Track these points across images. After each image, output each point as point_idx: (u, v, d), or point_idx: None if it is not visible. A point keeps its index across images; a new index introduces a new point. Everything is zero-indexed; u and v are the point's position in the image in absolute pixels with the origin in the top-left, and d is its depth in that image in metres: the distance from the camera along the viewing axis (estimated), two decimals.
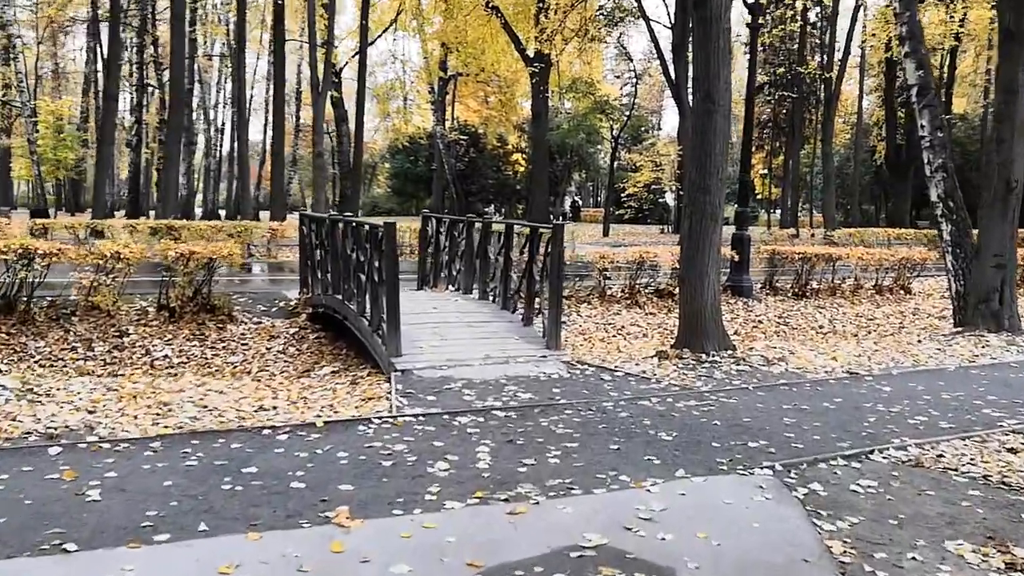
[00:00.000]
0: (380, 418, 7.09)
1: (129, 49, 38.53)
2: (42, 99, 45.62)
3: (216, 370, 10.66)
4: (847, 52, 38.88)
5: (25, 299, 11.63)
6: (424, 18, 42.40)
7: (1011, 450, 6.78)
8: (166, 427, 6.81)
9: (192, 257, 12.24)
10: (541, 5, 31.76)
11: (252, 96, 57.16)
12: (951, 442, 6.93)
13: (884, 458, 6.51)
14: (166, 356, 11.15)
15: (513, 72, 47.56)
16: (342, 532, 4.68)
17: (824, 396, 8.55)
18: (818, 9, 41.85)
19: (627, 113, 46.16)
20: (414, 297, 12.34)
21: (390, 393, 8.05)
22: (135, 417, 7.04)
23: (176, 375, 10.52)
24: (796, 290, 17.32)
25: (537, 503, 5.25)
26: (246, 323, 12.61)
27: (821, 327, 15.17)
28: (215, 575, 4.12)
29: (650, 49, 53.08)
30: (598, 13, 33.88)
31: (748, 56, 18.04)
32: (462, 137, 52.85)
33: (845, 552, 4.66)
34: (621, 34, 40.76)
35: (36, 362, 10.63)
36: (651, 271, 16.10)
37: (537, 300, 10.52)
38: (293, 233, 22.32)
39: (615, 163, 47.38)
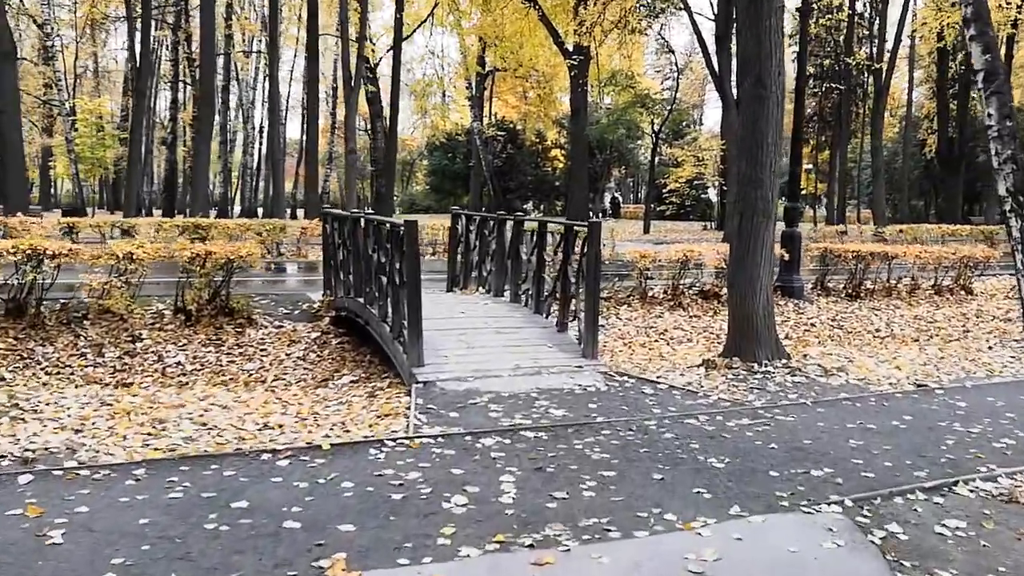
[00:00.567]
0: (395, 439, 6.35)
1: (163, 46, 38.28)
2: (81, 98, 45.57)
3: (230, 378, 10.00)
4: (898, 41, 37.50)
5: (35, 302, 11.07)
6: (461, 12, 41.67)
7: None
8: (156, 450, 6.12)
9: (208, 258, 11.61)
10: None
11: (290, 93, 57.00)
12: None
13: (971, 491, 5.63)
14: (179, 363, 10.51)
15: (552, 66, 46.75)
16: None
17: (892, 413, 7.66)
18: None
19: (668, 107, 45.03)
20: (441, 300, 11.60)
21: (409, 409, 7.31)
22: (124, 437, 6.37)
23: (187, 383, 9.90)
24: (850, 291, 16.32)
25: (568, 550, 4.47)
26: (266, 327, 11.95)
27: (878, 331, 14.18)
28: None
29: (691, 43, 51.99)
30: (638, 4, 32.90)
31: (796, 43, 17.09)
32: (500, 133, 52.10)
33: None
34: (662, 26, 39.70)
35: (43, 369, 10.05)
36: (696, 270, 15.22)
37: (572, 304, 9.72)
38: None
39: (656, 158, 46.33)
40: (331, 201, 77.18)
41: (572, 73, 35.02)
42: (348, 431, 6.74)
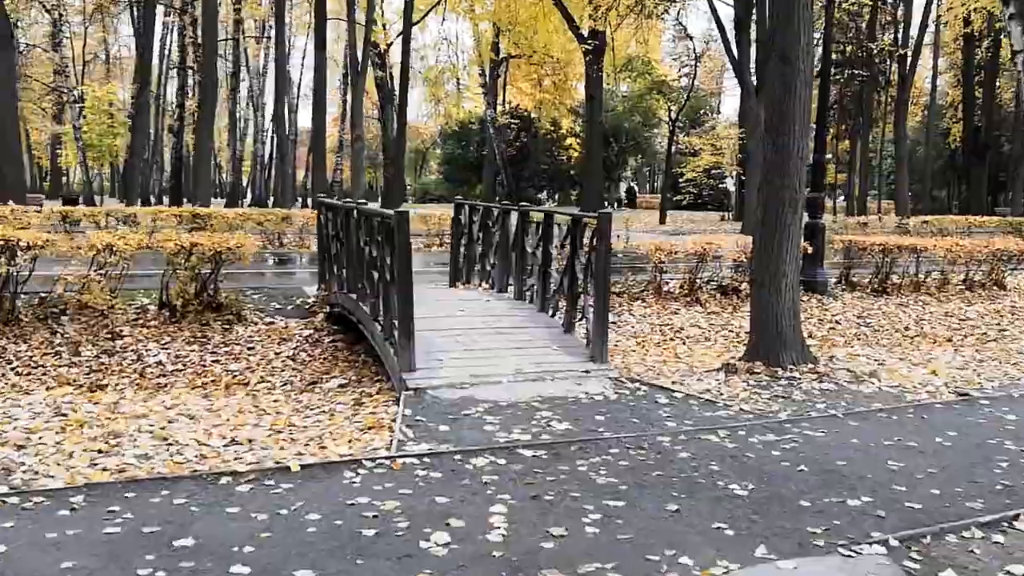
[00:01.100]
0: (375, 459, 5.62)
1: (172, 31, 37.63)
2: (89, 85, 45.04)
3: (212, 380, 9.29)
4: (924, 26, 36.41)
5: (10, 296, 10.40)
6: None
7: None
8: (104, 471, 5.42)
9: (194, 250, 10.90)
10: None
11: (301, 81, 56.41)
12: None
13: None
14: (159, 362, 9.81)
15: (567, 52, 45.87)
16: None
17: (934, 428, 6.87)
18: None
19: (686, 94, 44.03)
20: (441, 297, 10.85)
21: (395, 421, 6.58)
22: (70, 455, 5.67)
23: (166, 385, 9.20)
24: (876, 286, 15.47)
25: None
26: (256, 323, 11.24)
27: (907, 329, 13.34)
28: None
29: (708, 31, 51.00)
30: None
31: (819, 27, 16.23)
32: (513, 121, 51.22)
33: None
34: (680, 11, 38.71)
35: (13, 369, 9.38)
36: (714, 263, 14.42)
37: (581, 302, 8.95)
38: None
39: (673, 147, 45.38)
40: (344, 190, 76.81)
41: (587, 59, 34.19)
42: (324, 447, 6.01)
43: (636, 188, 73.58)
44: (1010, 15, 12.69)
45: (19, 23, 47.90)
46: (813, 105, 15.81)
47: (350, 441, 6.16)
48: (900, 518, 4.91)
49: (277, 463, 5.60)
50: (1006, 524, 4.88)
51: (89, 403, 7.27)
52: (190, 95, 39.73)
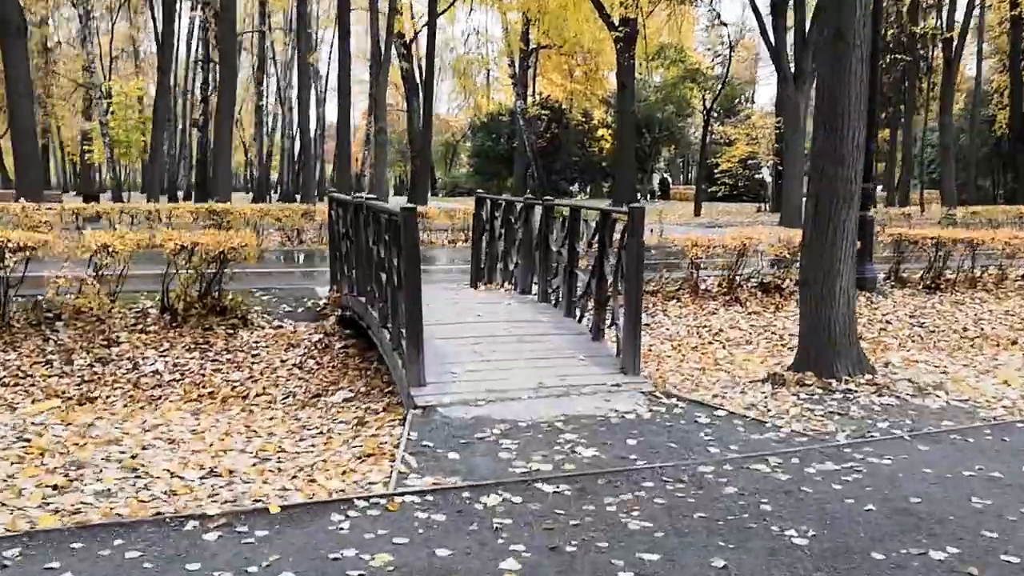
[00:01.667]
0: (369, 497, 4.83)
1: (195, 24, 37.14)
2: (116, 80, 44.76)
3: (210, 392, 8.57)
4: (970, 8, 34.95)
5: (1, 300, 9.77)
6: None
7: None
8: (56, 511, 4.67)
9: (196, 249, 10.19)
10: None
11: (328, 74, 55.74)
12: None
13: None
14: (156, 371, 9.11)
15: (597, 42, 44.92)
16: None
17: (1018, 453, 5.97)
18: None
19: (720, 83, 42.82)
20: (458, 299, 10.03)
21: (399, 446, 5.78)
22: (20, 492, 4.92)
23: (161, 397, 8.50)
24: (928, 282, 14.45)
25: None
26: (263, 327, 10.51)
27: (965, 330, 12.34)
28: None
29: (743, 18, 49.68)
30: None
31: None
32: (543, 112, 50.29)
33: None
34: None
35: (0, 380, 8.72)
36: (754, 257, 13.48)
37: (610, 305, 8.10)
38: None
39: (707, 137, 44.22)
40: (371, 184, 75.89)
41: (618, 47, 33.16)
42: (313, 480, 5.22)
43: (670, 179, 72.33)
44: None
45: (48, 20, 47.90)
46: None
47: (344, 472, 5.37)
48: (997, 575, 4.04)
49: (256, 501, 4.83)
50: None
51: (60, 424, 6.54)
52: (214, 90, 39.25)
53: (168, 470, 5.36)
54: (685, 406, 6.91)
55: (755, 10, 30.56)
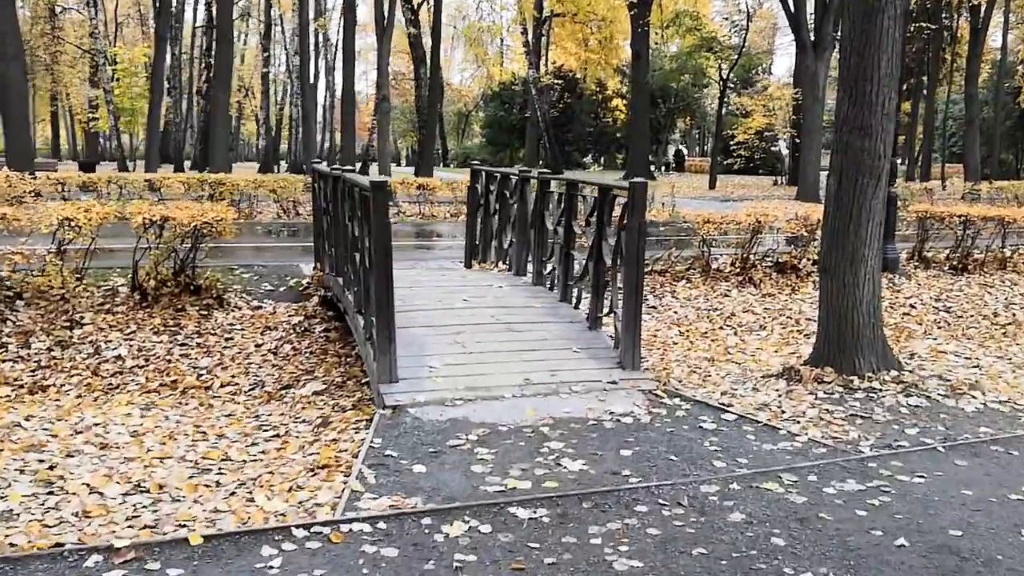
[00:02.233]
0: (311, 525, 4.11)
1: None
2: (120, 47, 43.99)
3: (173, 381, 7.86)
4: None
5: None
6: None
7: None
8: None
9: (167, 224, 9.46)
10: None
11: (338, 41, 54.56)
12: None
13: None
14: (118, 357, 8.41)
15: (612, 9, 43.77)
16: None
17: None
18: None
19: (737, 53, 41.60)
20: (446, 281, 9.26)
21: (358, 454, 5.06)
22: None
23: (119, 386, 7.80)
24: (955, 262, 13.59)
25: None
26: (240, 308, 9.80)
27: (995, 315, 11.51)
28: None
29: None
30: None
31: None
32: (556, 82, 49.18)
33: None
34: None
35: None
36: (771, 234, 12.65)
37: (609, 291, 7.33)
38: None
39: (723, 108, 43.08)
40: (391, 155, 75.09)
41: (632, 13, 32.07)
42: (252, 500, 4.51)
43: (685, 151, 71.09)
44: None
45: None
46: None
47: (291, 490, 4.65)
48: None
49: (180, 526, 4.13)
50: None
51: None
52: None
53: (88, 484, 4.66)
54: (689, 407, 6.16)
55: None
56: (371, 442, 5.22)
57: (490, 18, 58.69)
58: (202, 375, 8.06)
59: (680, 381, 7.20)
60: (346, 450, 5.26)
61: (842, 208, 6.86)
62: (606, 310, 7.35)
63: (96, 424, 5.92)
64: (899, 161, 49.22)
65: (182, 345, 8.80)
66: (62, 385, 7.81)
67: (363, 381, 7.51)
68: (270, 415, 6.51)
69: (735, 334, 9.91)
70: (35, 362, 8.28)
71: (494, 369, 6.40)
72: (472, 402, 5.90)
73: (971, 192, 26.95)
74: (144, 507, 4.43)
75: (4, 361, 8.24)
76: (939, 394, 6.73)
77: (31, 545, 3.88)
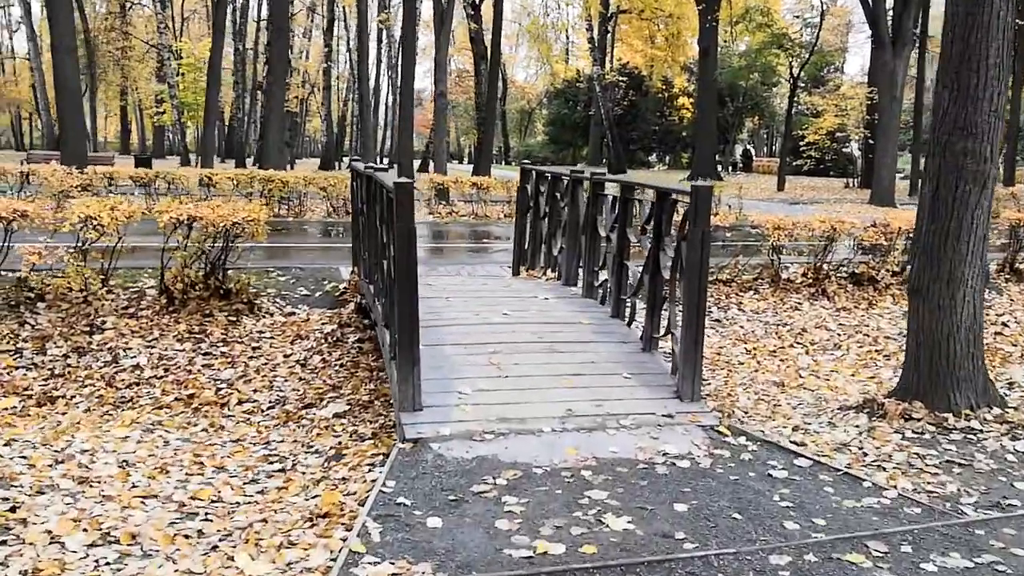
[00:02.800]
0: None
1: None
2: (184, 42, 44.20)
3: (189, 395, 7.25)
4: None
5: None
6: None
7: None
8: None
9: (195, 224, 8.90)
10: None
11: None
12: None
13: None
14: (137, 366, 7.85)
15: (680, 5, 42.70)
16: None
17: None
18: None
19: (808, 50, 40.09)
20: (488, 291, 8.47)
21: (366, 501, 4.34)
22: None
23: (131, 400, 7.23)
24: None
25: None
26: (271, 314, 9.21)
27: None
28: None
29: None
30: None
31: None
32: (621, 79, 48.18)
33: None
34: None
35: None
36: (846, 239, 11.64)
37: (667, 308, 6.50)
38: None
39: (793, 107, 41.59)
40: (450, 152, 75.09)
41: (700, 8, 30.99)
42: (232, 561, 3.81)
43: (753, 151, 69.30)
44: None
45: None
46: None
47: (280, 546, 3.95)
48: None
49: None
50: None
51: None
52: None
53: (50, 531, 4.01)
54: (756, 448, 5.31)
55: None
56: (383, 486, 4.49)
57: (555, 15, 57.98)
58: (221, 389, 7.44)
59: (746, 412, 6.37)
60: (354, 493, 4.55)
61: (938, 220, 5.94)
62: (663, 330, 6.53)
63: (84, 451, 5.30)
64: None
65: (205, 354, 8.21)
66: (72, 397, 7.27)
67: (390, 401, 6.82)
68: (281, 441, 5.85)
69: (807, 353, 9.00)
70: (49, 370, 7.76)
71: (532, 397, 5.64)
72: (505, 437, 5.15)
73: None
74: (107, 563, 3.77)
75: (17, 368, 7.74)
76: None
77: None
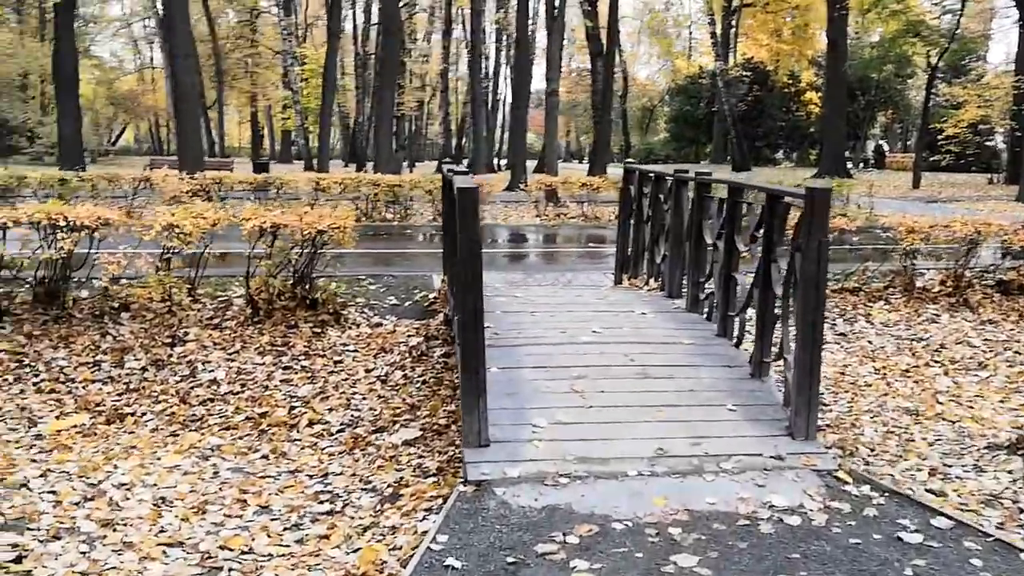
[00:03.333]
0: None
1: None
2: (306, 47, 45.00)
3: (262, 413, 6.83)
4: None
5: (70, 286, 8.54)
6: None
7: None
8: None
9: (279, 232, 8.53)
10: None
11: (535, 38, 53.95)
12: None
13: None
14: (214, 380, 7.50)
15: None
16: None
17: None
18: None
19: (948, 37, 37.57)
20: (580, 303, 7.71)
21: (409, 561, 3.72)
22: None
23: (203, 418, 6.86)
24: None
25: None
26: (357, 326, 8.75)
27: None
28: None
29: None
30: None
31: None
32: (745, 74, 46.51)
33: None
34: None
35: (36, 384, 7.38)
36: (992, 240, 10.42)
37: (779, 328, 5.66)
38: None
39: (930, 100, 39.10)
40: (570, 151, 74.64)
41: None
42: None
43: (885, 147, 65.98)
44: None
45: None
46: None
47: None
48: None
49: None
50: None
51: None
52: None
53: None
54: (883, 502, 4.44)
55: None
56: (432, 541, 3.86)
57: (676, 9, 56.62)
58: (295, 407, 7.00)
59: (872, 450, 5.49)
60: (399, 548, 3.94)
61: None
62: (775, 353, 5.69)
63: (120, 484, 4.87)
64: None
65: (285, 368, 7.80)
66: (143, 414, 6.96)
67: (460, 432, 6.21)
68: (340, 474, 5.30)
69: (946, 374, 7.94)
70: (124, 384, 7.49)
71: (618, 432, 4.91)
72: (582, 481, 4.45)
73: None
74: None
75: (94, 382, 7.51)
76: None
77: None
